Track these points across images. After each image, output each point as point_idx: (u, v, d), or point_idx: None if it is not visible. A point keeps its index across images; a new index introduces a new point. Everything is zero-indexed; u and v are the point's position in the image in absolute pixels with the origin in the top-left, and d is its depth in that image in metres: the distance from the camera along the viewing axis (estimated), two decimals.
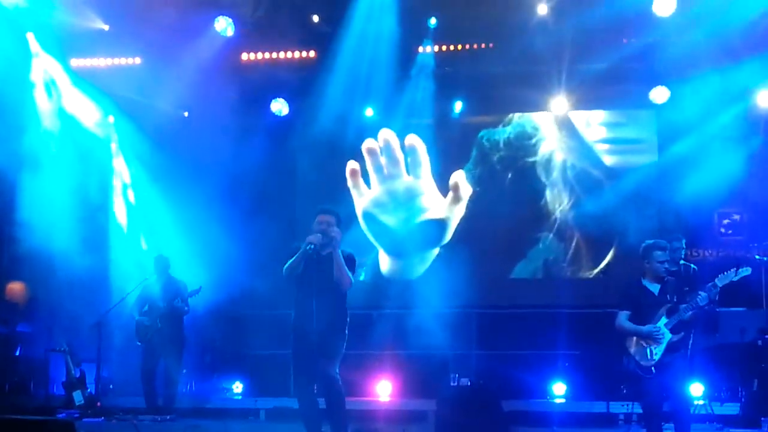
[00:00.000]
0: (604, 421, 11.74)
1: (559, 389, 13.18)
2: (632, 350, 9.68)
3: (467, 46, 15.22)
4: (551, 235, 15.41)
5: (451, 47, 15.22)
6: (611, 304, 10.45)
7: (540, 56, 14.29)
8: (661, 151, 14.98)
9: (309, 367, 9.30)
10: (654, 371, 9.40)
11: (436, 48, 14.96)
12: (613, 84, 14.49)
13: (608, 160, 15.53)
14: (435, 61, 14.91)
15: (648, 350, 9.50)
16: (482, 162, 15.62)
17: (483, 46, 15.10)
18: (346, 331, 9.31)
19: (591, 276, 14.99)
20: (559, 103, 15.13)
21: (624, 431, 10.72)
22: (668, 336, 9.43)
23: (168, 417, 12.02)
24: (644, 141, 15.36)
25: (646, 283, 9.71)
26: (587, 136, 15.64)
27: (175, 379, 12.55)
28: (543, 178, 15.57)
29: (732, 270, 9.24)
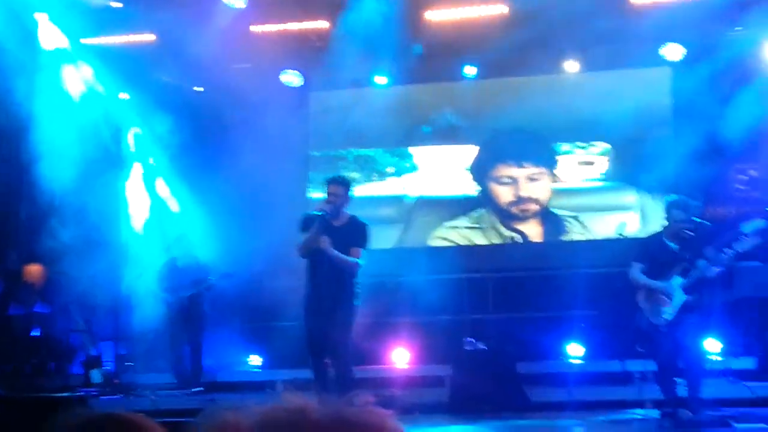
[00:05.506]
0: (620, 380, 11.71)
1: (575, 350, 13.16)
2: (643, 306, 9.67)
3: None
4: None
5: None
6: (628, 263, 10.42)
7: (551, 18, 14.14)
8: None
9: (321, 339, 9.41)
10: (664, 329, 9.40)
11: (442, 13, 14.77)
12: (623, 42, 14.30)
13: None
14: (442, 26, 14.77)
15: (659, 308, 9.49)
16: None
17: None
18: (357, 302, 9.40)
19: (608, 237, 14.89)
20: (571, 65, 15.02)
21: (639, 389, 10.69)
22: (680, 296, 9.39)
23: (194, 390, 12.28)
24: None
25: (665, 239, 9.68)
26: None
27: (200, 354, 12.84)
28: None
29: (755, 220, 9.22)
